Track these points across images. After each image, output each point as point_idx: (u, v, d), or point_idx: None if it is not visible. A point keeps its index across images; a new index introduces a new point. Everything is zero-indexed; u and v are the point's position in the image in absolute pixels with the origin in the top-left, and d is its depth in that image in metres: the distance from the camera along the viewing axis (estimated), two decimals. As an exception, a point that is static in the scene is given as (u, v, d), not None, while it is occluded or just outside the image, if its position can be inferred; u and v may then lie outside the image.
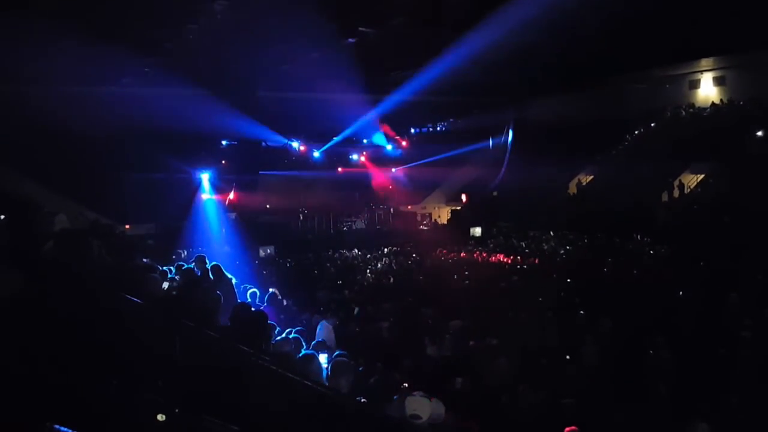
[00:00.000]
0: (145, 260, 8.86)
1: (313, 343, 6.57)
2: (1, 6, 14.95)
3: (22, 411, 2.25)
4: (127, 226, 21.85)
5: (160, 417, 2.57)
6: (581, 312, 12.42)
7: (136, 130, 24.47)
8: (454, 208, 36.05)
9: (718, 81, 30.98)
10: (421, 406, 4.10)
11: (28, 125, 22.60)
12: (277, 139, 31.85)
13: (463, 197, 34.88)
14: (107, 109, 24.50)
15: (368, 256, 24.82)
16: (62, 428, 2.00)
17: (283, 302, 10.69)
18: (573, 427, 6.19)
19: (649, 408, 8.32)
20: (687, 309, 13.05)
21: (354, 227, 33.00)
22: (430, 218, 36.22)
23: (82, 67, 20.61)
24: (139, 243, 15.24)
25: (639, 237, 23.40)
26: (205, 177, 29.58)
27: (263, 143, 31.88)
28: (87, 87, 24.03)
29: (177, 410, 2.55)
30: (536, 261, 20.90)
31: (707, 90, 31.28)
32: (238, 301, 7.41)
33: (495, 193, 33.80)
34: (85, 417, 2.36)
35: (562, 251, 23.92)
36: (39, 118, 22.78)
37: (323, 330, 8.48)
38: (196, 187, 29.27)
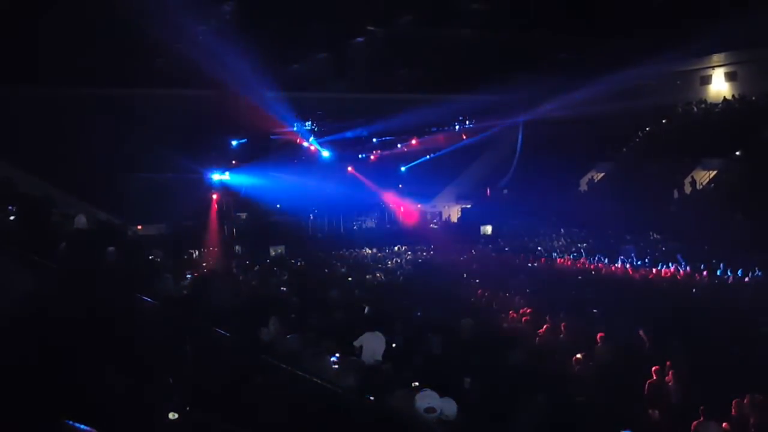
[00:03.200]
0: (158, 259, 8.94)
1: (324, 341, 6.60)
2: None
3: (38, 407, 2.29)
4: (139, 227, 21.97)
5: (172, 415, 2.60)
6: (594, 311, 12.39)
7: (148, 131, 24.62)
8: (464, 206, 35.97)
9: (730, 76, 30.70)
10: (434, 400, 4.14)
11: (42, 126, 22.82)
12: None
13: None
14: (119, 109, 24.71)
15: (378, 254, 24.84)
16: (76, 424, 2.03)
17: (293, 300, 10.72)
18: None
19: (663, 407, 8.28)
20: (700, 307, 12.99)
21: (364, 226, 32.99)
22: (441, 216, 36.15)
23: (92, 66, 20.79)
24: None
25: (651, 234, 23.29)
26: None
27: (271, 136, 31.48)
28: (99, 88, 24.26)
29: (188, 408, 2.58)
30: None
31: (719, 85, 31.01)
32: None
33: (505, 191, 33.69)
34: (99, 414, 2.39)
35: (573, 249, 23.85)
36: (52, 119, 23.02)
37: (374, 340, 7.26)
38: (208, 187, 29.38)
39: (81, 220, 8.29)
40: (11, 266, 3.43)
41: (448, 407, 4.49)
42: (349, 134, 32.89)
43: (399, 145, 36.45)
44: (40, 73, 21.37)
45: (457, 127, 35.84)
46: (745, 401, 7.26)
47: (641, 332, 10.31)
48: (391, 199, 34.47)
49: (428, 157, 35.11)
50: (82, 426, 2.06)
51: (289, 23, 19.42)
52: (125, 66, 21.80)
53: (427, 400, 4.12)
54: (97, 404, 2.51)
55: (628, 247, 21.89)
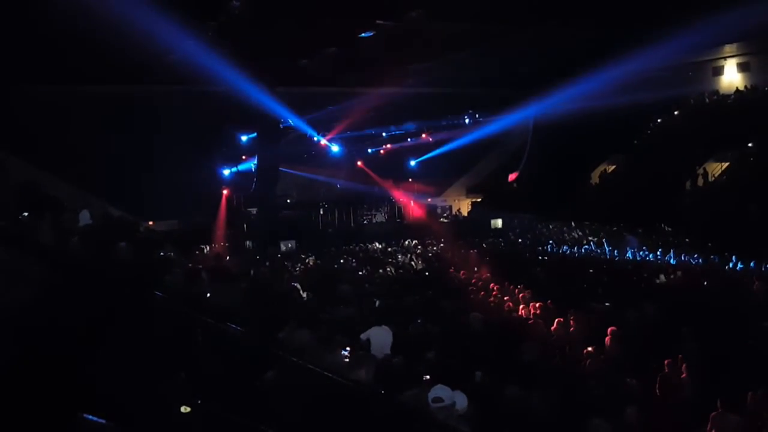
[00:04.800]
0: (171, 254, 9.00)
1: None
2: None
3: (54, 401, 2.32)
4: (151, 223, 22.11)
5: (184, 409, 2.62)
6: (606, 304, 12.34)
7: (160, 127, 24.75)
8: (474, 199, 35.90)
9: (742, 67, 30.38)
10: (443, 392, 4.15)
11: (54, 125, 22.98)
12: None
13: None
14: (129, 107, 24.84)
15: (389, 249, 24.86)
16: (91, 417, 2.06)
17: (303, 296, 10.77)
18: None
19: (675, 400, 8.25)
20: (713, 299, 12.91)
21: (374, 220, 33.00)
22: (451, 210, 36.10)
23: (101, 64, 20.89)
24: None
25: (663, 226, 23.17)
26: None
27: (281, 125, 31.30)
28: (108, 86, 24.38)
29: (200, 402, 2.60)
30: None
31: (731, 76, 30.70)
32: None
33: (515, 185, 33.59)
34: (113, 407, 2.41)
35: (585, 242, 23.79)
36: (64, 117, 23.18)
37: (381, 334, 7.12)
38: (219, 183, 29.53)
39: (85, 216, 8.32)
40: (24, 262, 3.46)
41: (459, 401, 4.50)
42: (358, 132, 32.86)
43: (409, 140, 36.37)
44: (52, 73, 21.50)
45: (467, 120, 35.68)
46: (759, 394, 7.21)
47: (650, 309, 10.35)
48: (401, 193, 34.48)
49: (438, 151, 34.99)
50: (97, 419, 2.08)
51: (295, 18, 19.39)
52: (135, 63, 21.88)
53: (437, 391, 4.14)
54: (111, 398, 2.54)
55: (631, 238, 21.89)
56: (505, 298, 12.70)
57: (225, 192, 29.06)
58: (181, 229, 25.52)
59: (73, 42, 17.75)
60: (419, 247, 25.16)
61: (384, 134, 35.37)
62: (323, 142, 32.82)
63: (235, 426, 2.73)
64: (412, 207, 34.20)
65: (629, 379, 8.29)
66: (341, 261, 21.59)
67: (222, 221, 27.29)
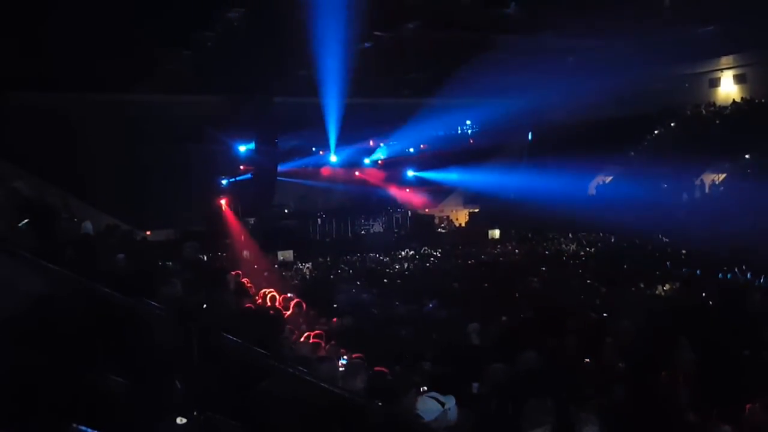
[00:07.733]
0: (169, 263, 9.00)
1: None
2: None
3: (48, 411, 2.30)
4: (148, 232, 22.08)
5: (180, 420, 2.60)
6: (604, 314, 12.34)
7: (159, 137, 24.78)
8: (472, 210, 35.90)
9: (739, 79, 30.52)
10: (424, 407, 4.09)
11: (51, 132, 22.98)
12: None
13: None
14: (128, 115, 24.87)
15: (385, 259, 24.86)
16: (85, 428, 2.04)
17: (302, 306, 10.73)
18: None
19: (671, 411, 8.22)
20: (710, 310, 12.92)
21: (372, 231, 32.98)
22: (449, 221, 36.08)
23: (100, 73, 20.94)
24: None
25: (660, 237, 23.20)
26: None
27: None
28: (106, 94, 24.41)
29: (196, 413, 2.59)
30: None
31: (728, 88, 30.84)
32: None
33: (512, 195, 33.62)
34: (108, 418, 2.40)
35: (582, 253, 23.80)
36: (61, 125, 23.19)
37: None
38: (217, 192, 29.49)
39: (87, 226, 8.38)
40: (20, 270, 3.45)
41: (452, 410, 4.45)
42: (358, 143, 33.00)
43: (411, 150, 36.42)
44: (48, 79, 21.53)
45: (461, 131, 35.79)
46: (757, 405, 7.19)
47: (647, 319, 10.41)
48: (398, 203, 34.52)
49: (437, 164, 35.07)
50: (91, 430, 2.07)
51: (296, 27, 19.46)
52: (133, 71, 21.93)
53: (420, 405, 4.09)
54: (105, 408, 2.52)
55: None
56: (500, 308, 12.70)
57: (223, 201, 29.03)
58: (178, 239, 25.46)
59: (69, 48, 17.77)
60: (417, 256, 25.15)
61: (382, 144, 35.48)
62: (320, 152, 32.90)
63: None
64: (410, 217, 34.22)
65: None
66: (338, 271, 21.58)
67: (219, 231, 27.22)
